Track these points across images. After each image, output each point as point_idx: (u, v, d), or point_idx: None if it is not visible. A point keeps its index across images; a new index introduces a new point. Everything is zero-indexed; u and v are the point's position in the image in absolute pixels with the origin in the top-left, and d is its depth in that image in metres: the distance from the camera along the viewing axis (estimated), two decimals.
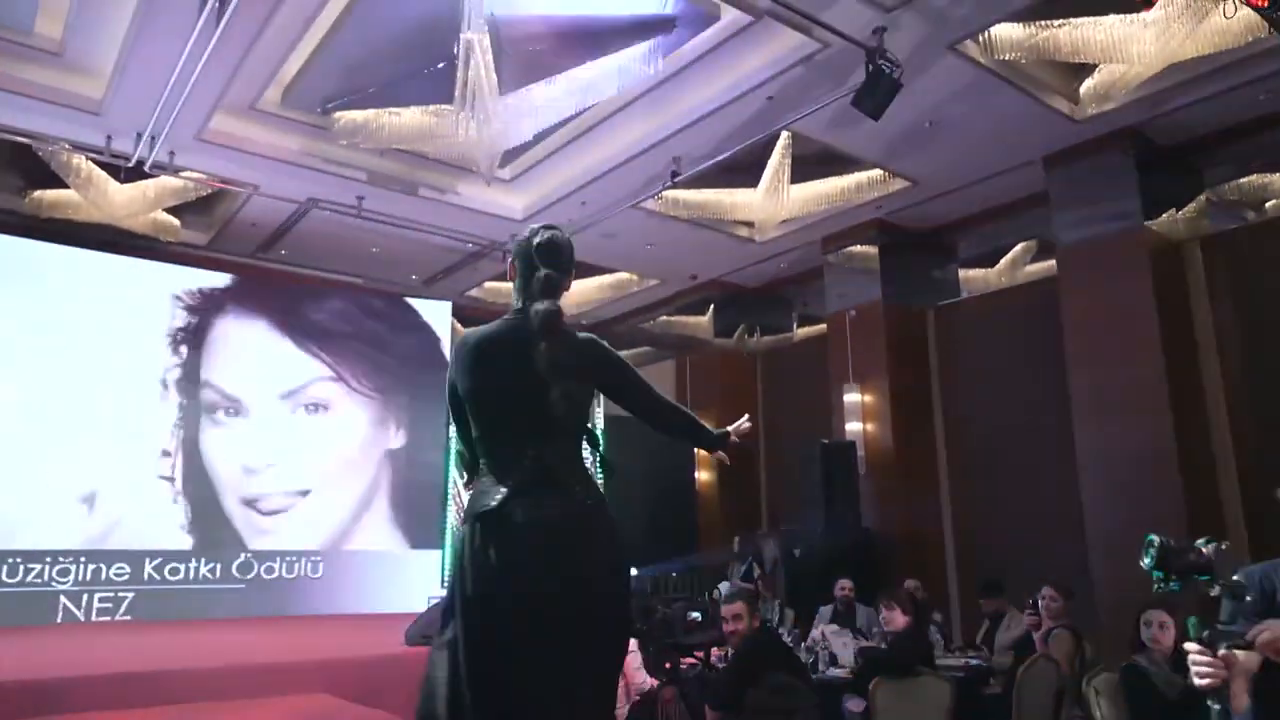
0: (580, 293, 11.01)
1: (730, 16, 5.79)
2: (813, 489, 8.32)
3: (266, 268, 9.57)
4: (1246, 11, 5.34)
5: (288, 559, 8.51)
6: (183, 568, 8.05)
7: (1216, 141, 7.17)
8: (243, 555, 8.35)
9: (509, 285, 2.40)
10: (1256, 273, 6.95)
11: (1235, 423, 6.80)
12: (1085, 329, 7.14)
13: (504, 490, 2.11)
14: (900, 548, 8.27)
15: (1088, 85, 6.69)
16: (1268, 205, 7.48)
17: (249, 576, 8.32)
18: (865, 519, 8.38)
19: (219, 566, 8.20)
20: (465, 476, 2.33)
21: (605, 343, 2.37)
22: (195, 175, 7.54)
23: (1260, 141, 7.02)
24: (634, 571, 9.60)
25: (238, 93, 6.46)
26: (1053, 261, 8.10)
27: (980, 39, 5.83)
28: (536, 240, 2.32)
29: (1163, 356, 6.66)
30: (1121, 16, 5.60)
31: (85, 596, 7.56)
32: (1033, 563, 6.96)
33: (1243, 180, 7.44)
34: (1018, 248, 8.94)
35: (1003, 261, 9.10)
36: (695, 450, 11.36)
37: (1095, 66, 6.54)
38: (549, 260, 2.28)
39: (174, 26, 5.50)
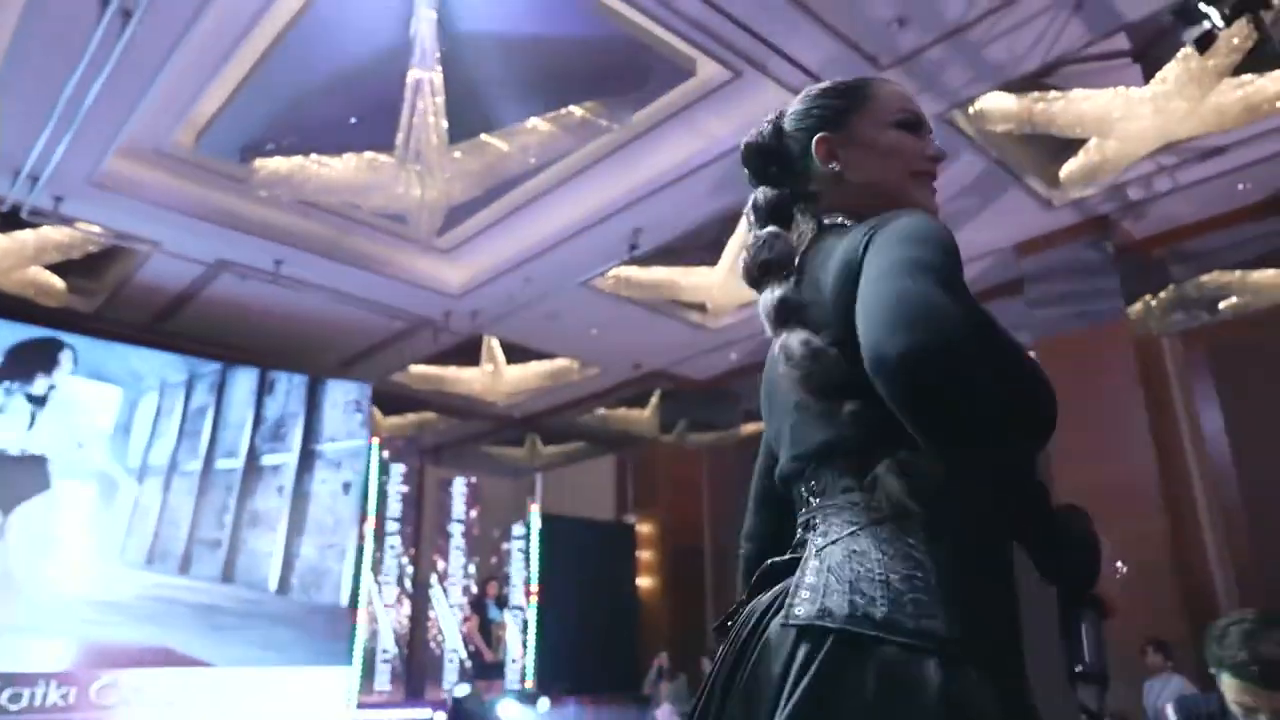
0: (513, 381, 10.19)
1: (707, 71, 5.32)
2: None
3: (163, 340, 8.49)
4: (1247, 91, 5.14)
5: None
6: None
7: (1188, 234, 7.01)
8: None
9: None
10: (1238, 365, 6.71)
11: (1226, 516, 6.44)
12: (1070, 423, 6.69)
13: None
14: None
15: (1067, 170, 6.42)
16: (1224, 305, 7.32)
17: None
18: None
19: None
20: None
21: None
22: (85, 227, 6.57)
23: (1224, 238, 6.89)
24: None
25: (141, 132, 5.63)
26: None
27: (970, 110, 5.49)
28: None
29: (1152, 451, 6.27)
30: (1119, 89, 5.32)
31: None
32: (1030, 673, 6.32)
33: (1204, 277, 7.30)
34: None
35: None
36: (637, 553, 10.51)
37: (1075, 151, 6.29)
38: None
39: (65, 47, 4.70)
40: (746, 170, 1.31)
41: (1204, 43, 3.34)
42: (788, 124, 1.26)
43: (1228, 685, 1.85)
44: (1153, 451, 6.29)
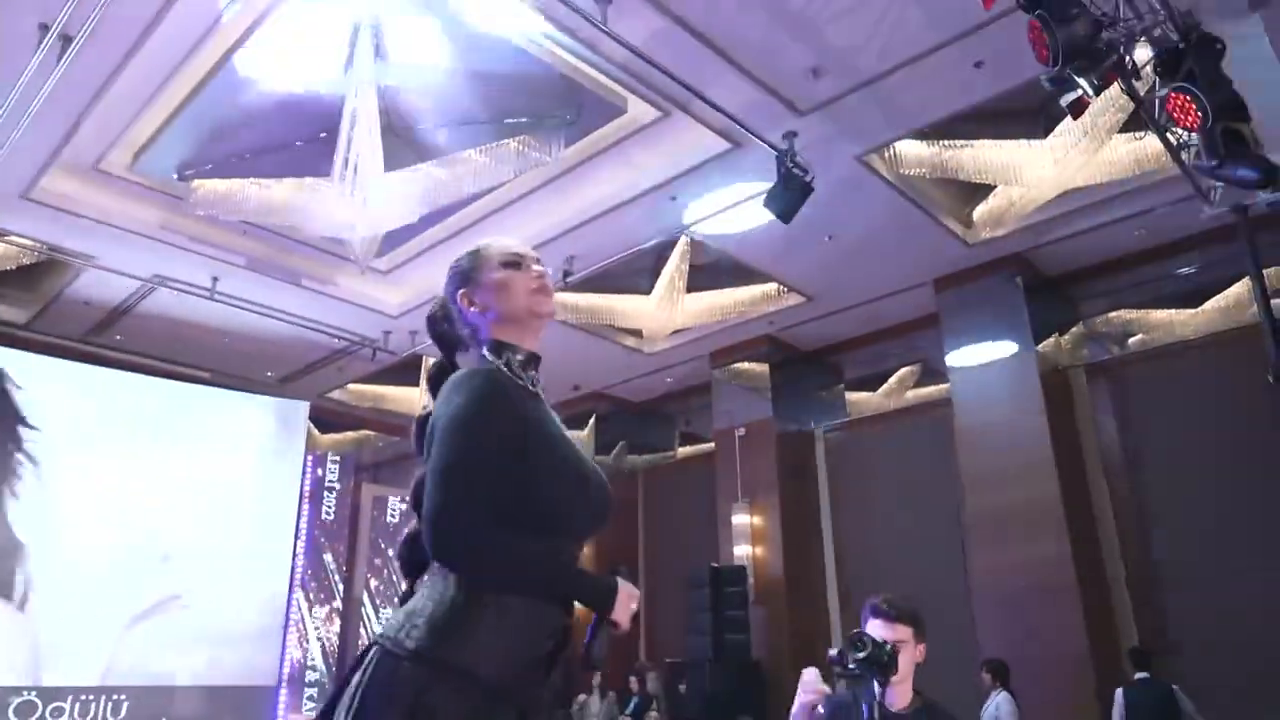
0: None
1: (637, 110, 5.56)
2: (699, 616, 7.72)
3: (98, 353, 8.45)
4: (1135, 145, 5.53)
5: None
6: None
7: (1093, 274, 7.43)
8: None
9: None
10: (1138, 398, 7.12)
11: (1124, 540, 6.80)
12: (979, 451, 7.04)
13: None
14: (791, 679, 7.71)
15: (981, 210, 6.80)
16: (1130, 341, 7.75)
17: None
18: (754, 649, 7.81)
19: None
20: None
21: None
22: (18, 240, 6.57)
23: (1130, 278, 7.31)
24: None
25: (78, 149, 5.69)
26: (937, 386, 8.14)
27: (887, 153, 5.81)
28: None
29: (1057, 478, 6.62)
30: (1021, 141, 5.69)
31: None
32: (930, 689, 6.56)
33: (1112, 314, 7.72)
34: (903, 371, 8.94)
35: (888, 383, 9.07)
36: None
37: (988, 193, 6.67)
38: None
39: (4, 64, 4.76)
40: (430, 338, 1.70)
41: (1077, 108, 3.66)
42: (444, 293, 1.67)
43: None
44: (1057, 478, 6.63)
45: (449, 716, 1.31)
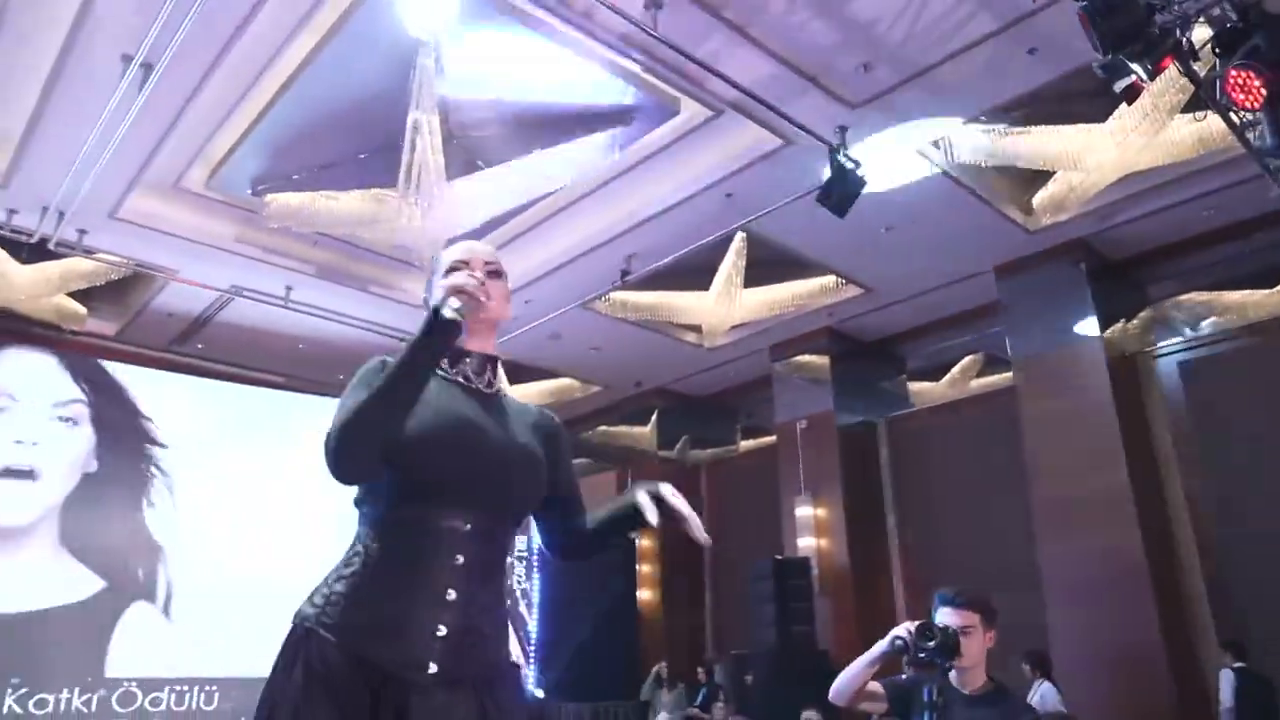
0: (521, 399, 10.48)
1: (691, 111, 5.63)
2: (763, 608, 7.78)
3: (182, 361, 8.86)
4: (1198, 126, 5.41)
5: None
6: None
7: (1160, 257, 7.26)
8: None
9: None
10: (1212, 382, 6.93)
11: (1199, 529, 6.64)
12: (1045, 441, 6.95)
13: None
14: None
15: (1041, 196, 6.70)
16: (1204, 324, 7.54)
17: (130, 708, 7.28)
18: (820, 640, 7.84)
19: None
20: None
21: None
22: (106, 257, 6.95)
23: (1201, 259, 7.12)
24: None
25: (159, 169, 6.00)
26: (1001, 374, 8.06)
27: (942, 143, 5.78)
28: None
29: (1126, 466, 6.50)
30: (1080, 126, 5.61)
31: None
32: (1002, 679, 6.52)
33: (1182, 297, 7.52)
34: (966, 360, 8.85)
35: (951, 373, 8.99)
36: (638, 567, 10.77)
37: (1048, 178, 6.57)
38: None
39: (92, 93, 5.06)
40: None
41: (1131, 93, 3.62)
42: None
43: None
44: (1126, 467, 6.51)
45: (310, 679, 1.41)
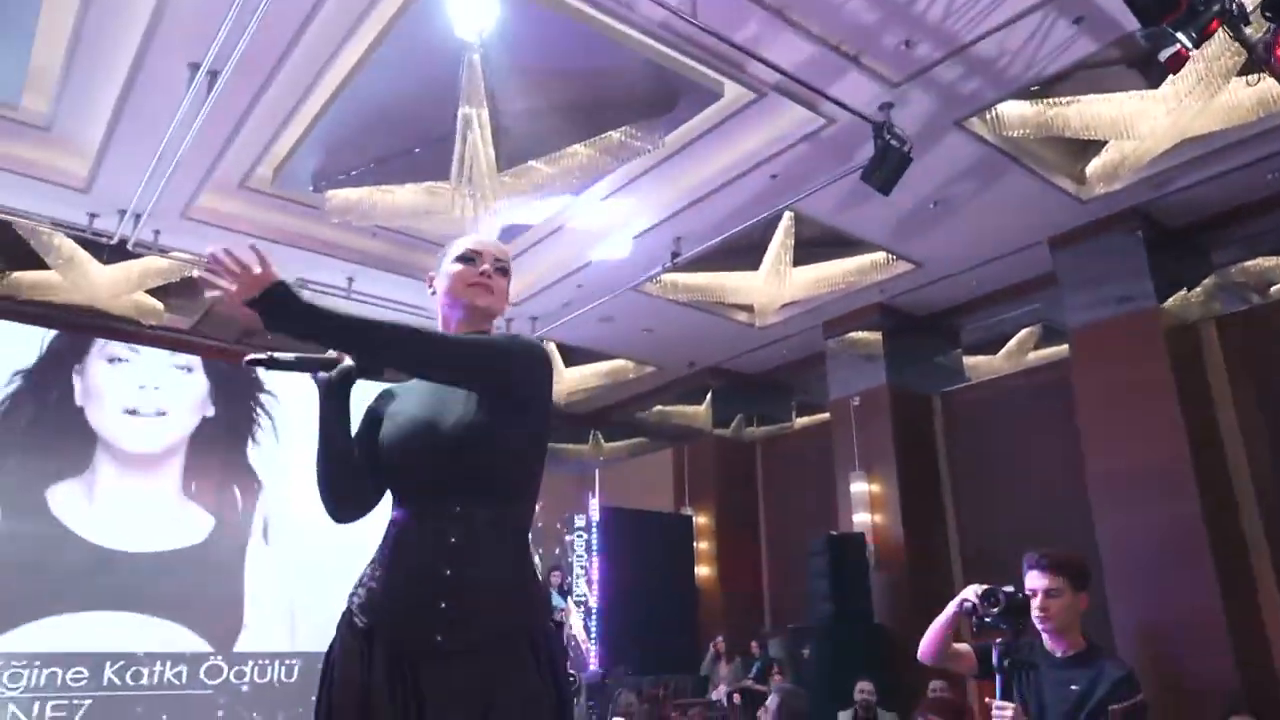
0: (575, 380, 10.72)
1: (734, 93, 5.69)
2: (819, 583, 7.87)
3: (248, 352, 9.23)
4: (1258, 88, 5.29)
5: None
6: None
7: (1223, 222, 7.09)
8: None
9: None
10: (1275, 353, 6.78)
11: (1263, 501, 6.52)
12: (1102, 412, 6.88)
13: None
14: (915, 640, 7.77)
15: (1094, 165, 6.60)
16: (1273, 289, 7.35)
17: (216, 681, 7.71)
18: (876, 614, 7.91)
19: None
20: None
21: None
22: (180, 255, 7.31)
23: (1267, 223, 6.94)
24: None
25: (227, 170, 6.29)
26: (1057, 347, 7.96)
27: (988, 116, 5.74)
28: None
29: (1186, 437, 6.41)
30: (1131, 93, 5.52)
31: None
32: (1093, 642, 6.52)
33: (1249, 263, 7.34)
34: (1022, 332, 8.76)
35: (1007, 346, 8.90)
36: (695, 543, 10.93)
37: (1100, 147, 6.47)
38: None
39: (162, 101, 5.34)
40: None
41: (1176, 62, 3.58)
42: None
43: None
44: (1185, 437, 6.42)
45: (335, 655, 1.66)
